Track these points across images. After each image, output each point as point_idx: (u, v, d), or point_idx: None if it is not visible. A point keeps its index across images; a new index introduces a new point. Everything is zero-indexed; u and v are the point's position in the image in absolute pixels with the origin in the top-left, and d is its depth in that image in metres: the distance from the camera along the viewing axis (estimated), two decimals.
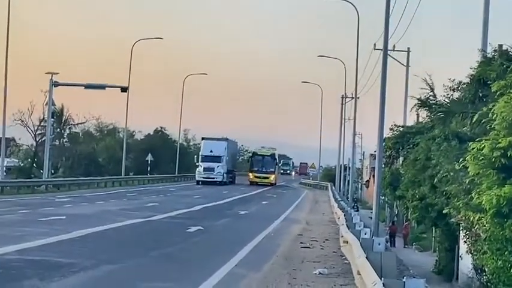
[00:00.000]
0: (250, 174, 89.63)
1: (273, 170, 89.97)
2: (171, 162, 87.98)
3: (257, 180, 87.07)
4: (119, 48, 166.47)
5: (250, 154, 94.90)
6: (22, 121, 68.60)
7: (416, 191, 28.92)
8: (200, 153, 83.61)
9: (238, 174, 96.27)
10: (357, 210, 45.73)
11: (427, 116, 40.29)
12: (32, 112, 68.29)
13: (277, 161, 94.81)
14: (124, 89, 60.96)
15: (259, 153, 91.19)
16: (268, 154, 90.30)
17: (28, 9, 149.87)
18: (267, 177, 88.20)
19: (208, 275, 17.08)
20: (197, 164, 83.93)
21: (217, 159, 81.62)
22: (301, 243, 26.13)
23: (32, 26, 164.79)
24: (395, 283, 11.16)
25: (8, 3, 49.94)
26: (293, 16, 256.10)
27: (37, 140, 69.42)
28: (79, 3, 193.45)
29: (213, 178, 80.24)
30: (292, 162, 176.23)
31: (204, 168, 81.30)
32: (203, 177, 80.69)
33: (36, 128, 69.05)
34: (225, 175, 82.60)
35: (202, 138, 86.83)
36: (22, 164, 71.18)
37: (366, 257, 15.04)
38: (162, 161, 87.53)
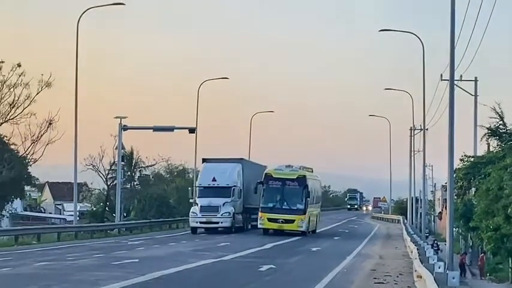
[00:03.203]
0: (261, 214, 51.43)
1: (302, 206, 51.14)
2: None
3: (273, 226, 51.08)
4: (186, 90, 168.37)
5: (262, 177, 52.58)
6: (93, 166, 69.43)
7: (490, 222, 28.50)
8: (197, 183, 55.99)
9: None
10: (437, 249, 42.99)
11: (497, 145, 39.78)
12: (102, 157, 69.12)
13: (313, 190, 54.77)
14: (192, 130, 61.34)
15: (275, 175, 51.75)
16: (293, 177, 51.54)
17: (96, 56, 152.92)
18: (291, 220, 50.69)
19: None
20: (191, 200, 57.64)
21: (223, 192, 53.04)
22: (375, 278, 25.86)
23: (101, 73, 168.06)
24: None
25: (76, 49, 50.87)
26: (358, 50, 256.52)
27: (108, 183, 70.15)
28: (145, 49, 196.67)
29: (217, 223, 52.94)
30: (361, 196, 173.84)
31: (201, 207, 52.93)
32: (201, 222, 53.03)
33: (107, 172, 69.81)
34: (237, 217, 54.28)
35: (203, 160, 57.57)
36: (95, 209, 71.96)
37: None
38: None
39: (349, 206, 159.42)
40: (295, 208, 51.11)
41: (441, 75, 51.06)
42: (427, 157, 63.43)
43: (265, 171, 52.99)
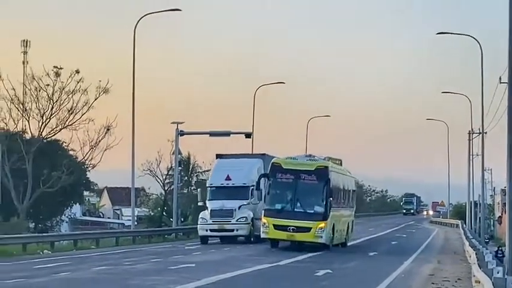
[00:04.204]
0: (265, 220, 38.12)
1: (321, 209, 37.52)
2: None
3: (281, 235, 37.96)
4: (243, 95, 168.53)
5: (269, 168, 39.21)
6: (151, 171, 70.00)
7: None
8: (208, 183, 46.54)
9: None
10: (502, 257, 41.13)
11: None
12: (159, 162, 69.64)
13: (341, 187, 41.94)
14: (248, 135, 61.41)
15: (285, 166, 38.01)
16: (311, 169, 37.80)
17: (153, 61, 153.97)
18: (306, 228, 37.23)
19: None
20: (200, 203, 48.58)
21: (240, 192, 43.70)
22: (433, 283, 25.61)
23: (157, 78, 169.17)
24: None
25: (133, 55, 51.30)
26: (416, 52, 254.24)
27: (166, 188, 70.60)
28: (201, 55, 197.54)
29: (232, 230, 43.92)
30: (419, 200, 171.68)
31: (212, 211, 44.06)
32: (212, 230, 44.29)
33: (164, 177, 70.30)
34: (257, 223, 42.10)
35: (217, 156, 48.31)
36: (152, 213, 72.47)
37: None
38: None
39: (404, 211, 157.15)
40: (311, 211, 37.51)
41: (500, 78, 50.49)
42: (486, 161, 62.85)
43: (272, 161, 39.16)
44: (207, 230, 44.44)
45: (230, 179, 44.43)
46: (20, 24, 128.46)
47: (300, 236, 37.53)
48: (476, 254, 30.02)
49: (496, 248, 49.06)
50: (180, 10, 52.04)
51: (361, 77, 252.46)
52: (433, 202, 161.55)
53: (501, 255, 43.17)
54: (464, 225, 79.38)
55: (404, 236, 65.34)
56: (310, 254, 35.69)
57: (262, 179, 39.59)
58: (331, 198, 37.93)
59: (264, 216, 38.34)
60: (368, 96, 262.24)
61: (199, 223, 45.06)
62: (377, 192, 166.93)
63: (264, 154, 46.33)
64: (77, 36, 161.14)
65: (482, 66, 54.58)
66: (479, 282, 20.42)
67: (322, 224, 37.32)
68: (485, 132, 60.66)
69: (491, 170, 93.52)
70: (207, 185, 46.12)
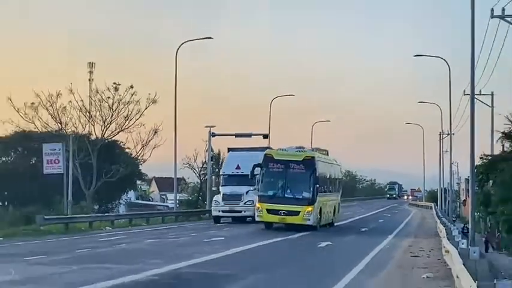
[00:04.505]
0: (259, 205, 35.36)
1: (308, 195, 34.75)
2: None
3: (274, 219, 35.03)
4: (261, 103, 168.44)
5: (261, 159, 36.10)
6: (189, 164, 70.13)
7: (504, 208, 28.07)
8: (221, 171, 46.50)
9: None
10: (467, 232, 38.16)
11: (510, 146, 39.06)
12: (196, 157, 69.71)
13: (327, 175, 39.13)
14: (265, 136, 61.36)
15: (276, 157, 35.31)
16: (299, 159, 34.92)
17: (192, 77, 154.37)
18: (295, 212, 34.46)
19: (338, 280, 17.06)
20: (213, 188, 48.34)
21: (247, 179, 39.00)
22: (411, 252, 25.67)
23: (194, 90, 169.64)
24: (488, 285, 10.88)
25: (175, 73, 51.49)
26: (396, 72, 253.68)
27: (201, 178, 70.68)
28: (229, 73, 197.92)
29: (240, 212, 42.26)
30: (400, 187, 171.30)
31: (224, 195, 42.46)
32: (223, 211, 42.53)
33: (199, 169, 70.35)
34: None
35: (229, 150, 47.16)
36: (190, 198, 72.57)
37: (463, 264, 14.68)
38: None
39: (388, 196, 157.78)
40: (300, 197, 34.66)
41: (464, 91, 50.48)
42: (453, 156, 62.87)
43: (265, 152, 36.57)
44: (219, 211, 42.69)
45: (239, 168, 42.66)
46: (88, 50, 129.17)
47: (290, 219, 34.75)
48: (445, 229, 30.02)
49: (462, 225, 48.99)
50: (212, 38, 52.17)
51: (357, 85, 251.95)
52: (411, 189, 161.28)
53: (466, 231, 43.03)
54: (436, 207, 79.07)
55: (389, 215, 65.22)
56: (311, 231, 35.52)
57: (257, 168, 36.08)
58: (317, 185, 35.10)
59: (258, 201, 35.51)
60: (363, 102, 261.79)
61: (213, 205, 43.06)
62: (367, 181, 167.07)
63: (268, 147, 43.74)
64: (132, 58, 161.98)
65: (450, 81, 54.55)
66: (448, 251, 20.50)
67: (309, 208, 34.60)
68: (453, 134, 60.62)
69: (457, 163, 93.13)
70: (220, 173, 44.25)
